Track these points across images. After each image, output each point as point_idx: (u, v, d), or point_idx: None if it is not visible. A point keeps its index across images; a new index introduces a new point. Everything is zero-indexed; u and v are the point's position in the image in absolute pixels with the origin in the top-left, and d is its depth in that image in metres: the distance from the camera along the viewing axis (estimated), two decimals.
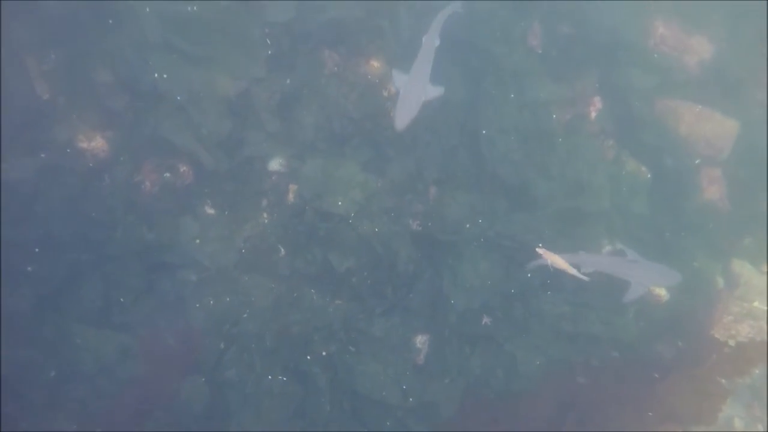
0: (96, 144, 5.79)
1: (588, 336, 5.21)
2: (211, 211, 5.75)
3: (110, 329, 5.05)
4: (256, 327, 5.01)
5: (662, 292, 5.81)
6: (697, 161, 6.14)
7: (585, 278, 4.79)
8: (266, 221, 5.71)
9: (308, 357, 4.98)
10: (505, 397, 4.99)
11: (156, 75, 5.55)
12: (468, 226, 5.46)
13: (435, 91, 5.14)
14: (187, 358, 4.98)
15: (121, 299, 5.07)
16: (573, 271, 4.78)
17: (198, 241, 5.31)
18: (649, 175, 6.06)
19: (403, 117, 4.88)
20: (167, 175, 5.63)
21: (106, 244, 5.22)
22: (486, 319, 5.23)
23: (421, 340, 5.26)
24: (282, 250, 5.58)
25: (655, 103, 6.29)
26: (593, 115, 6.50)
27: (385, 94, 5.94)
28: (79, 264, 5.21)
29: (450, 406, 4.98)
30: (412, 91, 4.97)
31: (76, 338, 4.94)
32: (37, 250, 5.36)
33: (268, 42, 5.81)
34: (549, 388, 4.98)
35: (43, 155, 5.61)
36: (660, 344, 5.48)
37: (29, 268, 5.32)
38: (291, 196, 5.75)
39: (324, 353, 4.98)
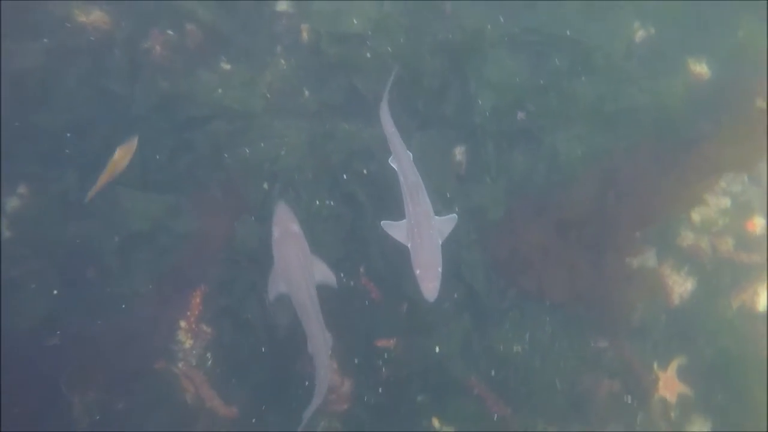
0: (95, 17, 5.59)
1: (631, 112, 5.05)
2: (227, 66, 5.61)
3: (155, 191, 5.19)
4: (295, 161, 5.05)
5: (703, 69, 5.56)
6: None
7: None
8: (284, 66, 5.57)
9: (345, 176, 5.00)
10: (548, 189, 5.00)
11: None
12: (489, 27, 5.20)
13: (448, 225, 4.10)
14: (234, 203, 5.11)
15: (157, 156, 5.16)
16: None
17: (220, 90, 5.26)
18: None
19: (431, 287, 3.90)
20: (170, 32, 5.48)
21: (130, 107, 5.23)
22: (520, 115, 5.10)
23: (459, 152, 5.21)
24: (306, 91, 5.49)
25: None
26: None
27: None
28: (110, 135, 5.25)
29: (497, 208, 5.02)
30: (425, 246, 3.92)
31: (125, 203, 5.09)
32: (68, 134, 5.46)
33: None
34: (591, 174, 4.94)
35: (45, 40, 5.55)
36: (703, 121, 5.30)
37: (67, 151, 5.45)
38: (305, 36, 5.52)
39: (365, 171, 5.03)
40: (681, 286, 5.21)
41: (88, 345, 5.05)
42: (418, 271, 3.93)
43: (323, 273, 4.31)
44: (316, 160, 5.07)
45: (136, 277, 5.19)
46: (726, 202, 5.33)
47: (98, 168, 5.22)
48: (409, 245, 4.04)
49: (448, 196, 4.99)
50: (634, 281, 5.05)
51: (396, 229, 4.14)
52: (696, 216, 5.33)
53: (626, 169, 4.80)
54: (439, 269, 3.92)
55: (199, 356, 5.24)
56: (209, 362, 5.19)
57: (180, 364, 5.22)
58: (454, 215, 4.20)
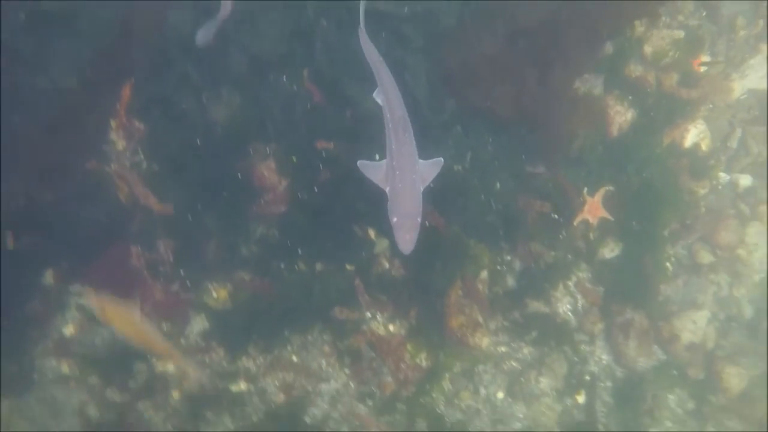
0: None
1: None
2: None
3: None
4: None
5: None
6: None
7: None
8: None
9: None
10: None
11: None
12: None
13: (432, 170, 3.69)
14: None
15: None
16: None
17: None
18: None
19: (407, 239, 3.50)
20: None
21: None
22: None
23: None
24: None
25: None
26: None
27: None
28: None
29: (449, 15, 4.74)
30: (406, 192, 3.51)
31: None
32: None
33: None
34: None
35: None
36: None
37: None
38: None
39: None
40: (622, 116, 5.28)
41: (4, 136, 4.75)
42: (394, 219, 3.59)
43: None
44: None
45: (56, 68, 4.78)
46: (680, 33, 5.27)
47: None
48: (387, 189, 3.67)
49: None
50: (579, 107, 5.06)
51: (373, 170, 3.75)
52: (648, 48, 5.28)
53: None
54: (419, 219, 3.62)
55: (132, 157, 5.07)
56: (143, 164, 5.05)
57: (113, 165, 5.06)
58: (440, 159, 3.83)
